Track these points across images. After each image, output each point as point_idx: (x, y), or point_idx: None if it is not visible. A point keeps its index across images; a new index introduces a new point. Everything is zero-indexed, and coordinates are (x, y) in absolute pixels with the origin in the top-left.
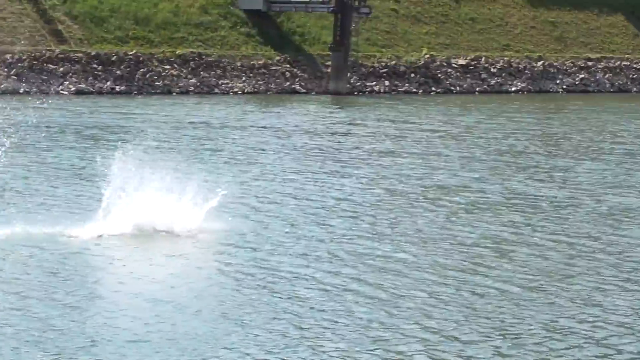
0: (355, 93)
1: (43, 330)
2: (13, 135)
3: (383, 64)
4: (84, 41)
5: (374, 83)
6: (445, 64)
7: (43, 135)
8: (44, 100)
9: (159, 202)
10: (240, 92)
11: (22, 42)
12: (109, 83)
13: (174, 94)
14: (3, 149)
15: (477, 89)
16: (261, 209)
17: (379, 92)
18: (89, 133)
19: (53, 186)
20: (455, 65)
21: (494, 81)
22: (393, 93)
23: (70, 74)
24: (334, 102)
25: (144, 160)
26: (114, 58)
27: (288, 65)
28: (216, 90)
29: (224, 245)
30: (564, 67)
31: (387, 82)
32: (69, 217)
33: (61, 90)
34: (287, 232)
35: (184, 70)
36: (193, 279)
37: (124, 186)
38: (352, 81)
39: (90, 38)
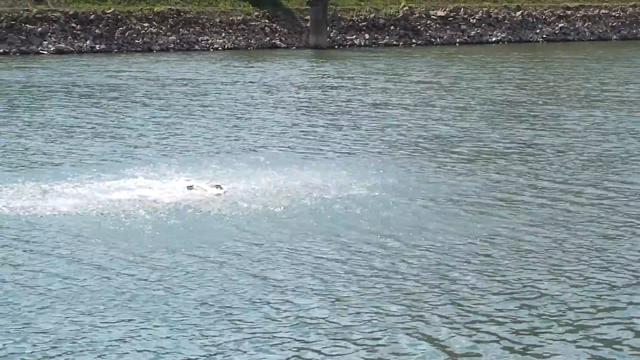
0: (336, 47)
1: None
2: (16, 95)
3: (362, 17)
4: (61, 0)
5: (354, 36)
6: (424, 16)
7: (48, 94)
8: (28, 59)
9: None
10: (220, 48)
11: None
12: (88, 42)
13: (154, 51)
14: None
15: (458, 40)
16: (268, 164)
17: (359, 45)
18: (82, 92)
19: (86, 145)
20: (434, 17)
21: (473, 32)
22: (373, 46)
23: (49, 34)
24: (316, 56)
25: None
26: (92, 17)
27: (267, 21)
28: (196, 46)
29: (243, 202)
30: (543, 17)
31: (367, 35)
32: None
33: (40, 50)
34: (297, 187)
35: (163, 28)
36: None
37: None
38: (332, 35)
39: None
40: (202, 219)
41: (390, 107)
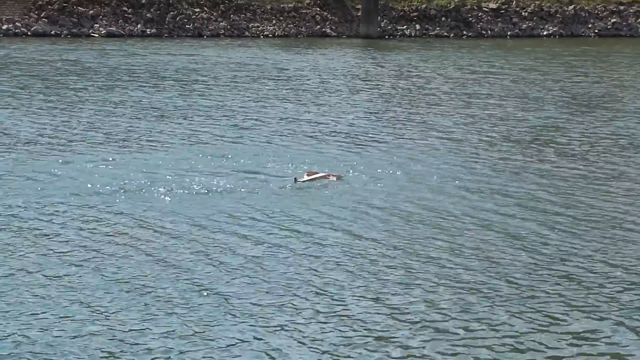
0: (386, 37)
1: None
2: (94, 78)
3: (413, 7)
4: None
5: (404, 27)
6: (476, 8)
7: (122, 77)
8: (84, 42)
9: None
10: (270, 36)
11: None
12: (139, 26)
13: (205, 37)
14: (98, 91)
15: (509, 33)
16: (367, 153)
17: (410, 35)
18: (166, 75)
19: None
20: (486, 9)
21: (525, 25)
22: (424, 37)
23: (101, 17)
24: (370, 45)
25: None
26: (143, 1)
27: (318, 9)
28: (246, 33)
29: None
30: (596, 11)
31: (417, 26)
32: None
33: (91, 32)
34: (398, 174)
35: (214, 13)
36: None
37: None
38: (382, 25)
39: None
40: (326, 205)
41: (473, 97)
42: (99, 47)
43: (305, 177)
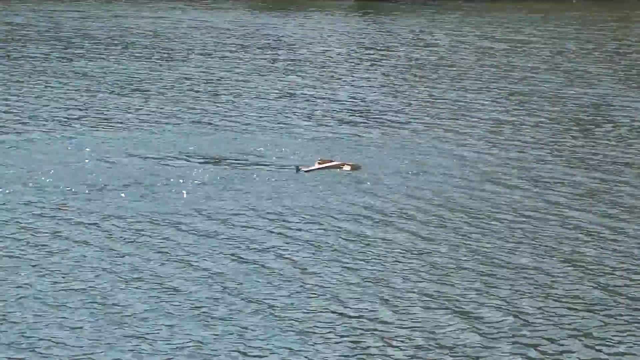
0: None
1: None
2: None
3: None
4: None
5: None
6: None
7: (81, 44)
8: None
9: None
10: None
11: None
12: None
13: None
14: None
15: None
16: (386, 137)
17: None
18: (134, 41)
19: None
20: None
21: None
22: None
23: None
24: (366, 8)
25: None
26: None
27: None
28: None
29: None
30: None
31: None
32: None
33: None
34: (426, 163)
35: None
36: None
37: None
38: None
39: None
40: (335, 200)
41: (505, 70)
42: (47, 9)
43: (315, 166)
